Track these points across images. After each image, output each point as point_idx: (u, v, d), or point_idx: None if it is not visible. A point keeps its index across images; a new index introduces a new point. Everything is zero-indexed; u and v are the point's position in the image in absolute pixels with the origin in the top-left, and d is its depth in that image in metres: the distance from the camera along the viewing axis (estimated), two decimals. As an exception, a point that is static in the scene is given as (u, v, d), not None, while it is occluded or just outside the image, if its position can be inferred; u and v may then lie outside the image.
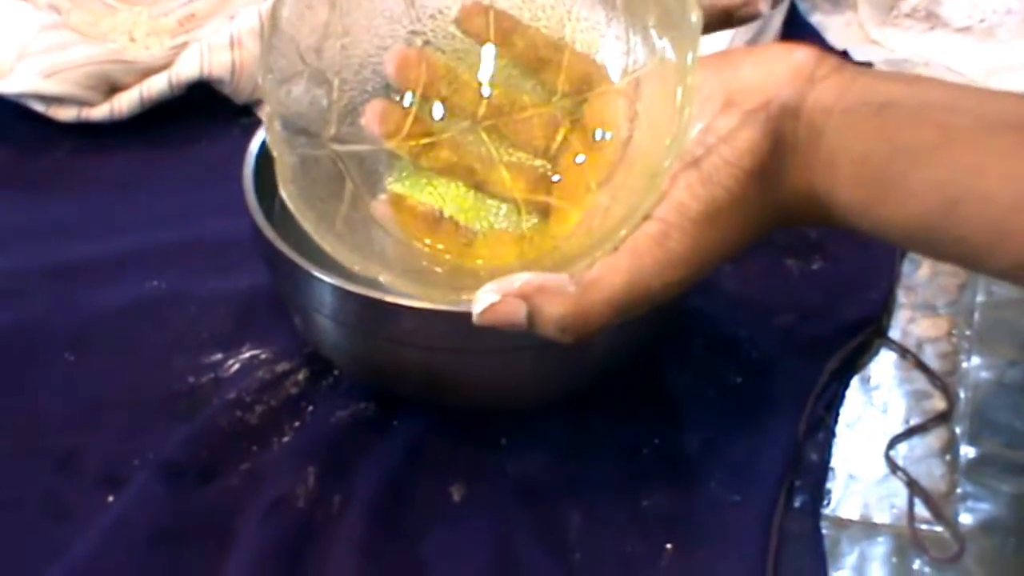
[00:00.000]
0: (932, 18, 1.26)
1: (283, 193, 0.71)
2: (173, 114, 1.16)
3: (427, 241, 0.75)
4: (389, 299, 0.77)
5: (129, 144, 1.15)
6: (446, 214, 0.76)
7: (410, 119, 0.76)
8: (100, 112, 1.15)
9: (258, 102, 1.17)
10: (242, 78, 1.15)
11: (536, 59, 0.76)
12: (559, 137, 0.75)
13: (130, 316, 0.95)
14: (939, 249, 0.67)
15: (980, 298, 0.94)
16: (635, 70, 0.72)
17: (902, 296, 0.96)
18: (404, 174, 0.77)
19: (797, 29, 1.26)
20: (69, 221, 1.06)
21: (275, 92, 0.72)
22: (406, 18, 0.76)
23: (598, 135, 0.74)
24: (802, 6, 1.29)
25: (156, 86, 1.15)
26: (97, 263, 1.00)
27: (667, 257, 0.66)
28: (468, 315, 0.77)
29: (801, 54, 0.69)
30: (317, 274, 0.79)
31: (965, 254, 0.65)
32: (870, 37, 1.25)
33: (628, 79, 0.73)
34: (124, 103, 1.15)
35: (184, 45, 1.18)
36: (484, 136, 0.76)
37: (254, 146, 0.88)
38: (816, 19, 1.29)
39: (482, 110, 0.76)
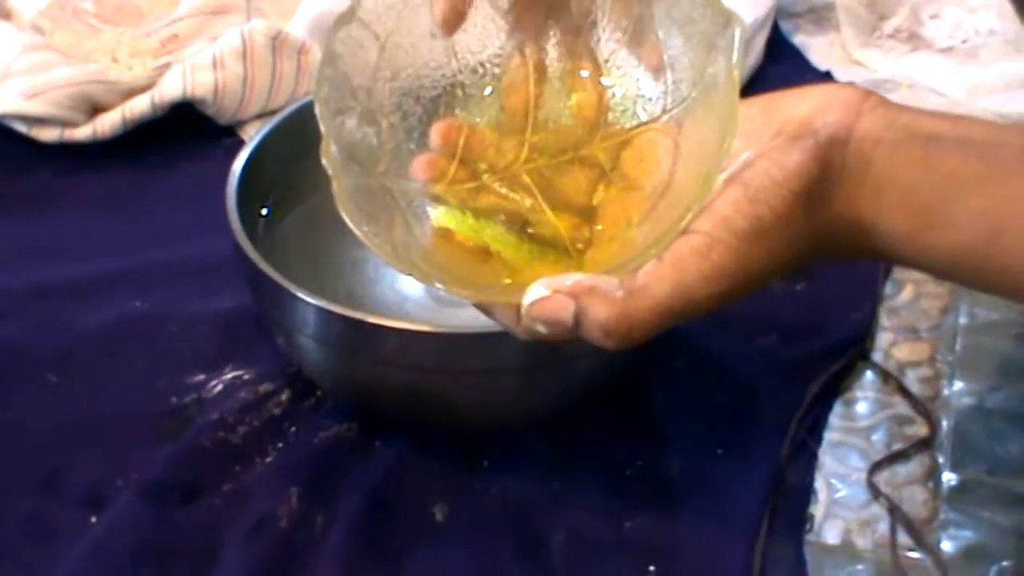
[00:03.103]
0: (915, 39, 1.27)
1: (341, 211, 0.70)
2: (156, 135, 1.16)
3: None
4: (372, 320, 0.77)
5: (112, 165, 1.15)
6: (493, 250, 0.76)
7: (454, 165, 0.77)
8: (83, 133, 1.15)
9: (240, 123, 1.17)
10: (225, 98, 1.15)
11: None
12: (600, 181, 0.76)
13: (113, 337, 0.95)
14: (983, 279, 0.68)
15: (963, 321, 0.95)
16: (674, 106, 0.73)
17: (885, 318, 0.96)
18: (450, 210, 0.77)
19: (780, 50, 1.27)
20: (52, 242, 1.06)
21: (329, 121, 0.72)
22: (449, 69, 0.77)
23: (637, 175, 0.74)
24: (785, 27, 1.30)
25: (139, 107, 1.15)
26: (80, 284, 1.00)
27: (711, 269, 0.67)
28: (450, 336, 0.78)
29: (847, 90, 0.70)
30: (300, 295, 0.79)
31: (1010, 284, 0.66)
32: (853, 58, 1.26)
33: (667, 117, 0.73)
34: (107, 124, 1.15)
35: (167, 66, 1.18)
36: (527, 179, 0.77)
37: (237, 166, 0.88)
38: (799, 40, 1.29)
39: (524, 154, 0.77)
